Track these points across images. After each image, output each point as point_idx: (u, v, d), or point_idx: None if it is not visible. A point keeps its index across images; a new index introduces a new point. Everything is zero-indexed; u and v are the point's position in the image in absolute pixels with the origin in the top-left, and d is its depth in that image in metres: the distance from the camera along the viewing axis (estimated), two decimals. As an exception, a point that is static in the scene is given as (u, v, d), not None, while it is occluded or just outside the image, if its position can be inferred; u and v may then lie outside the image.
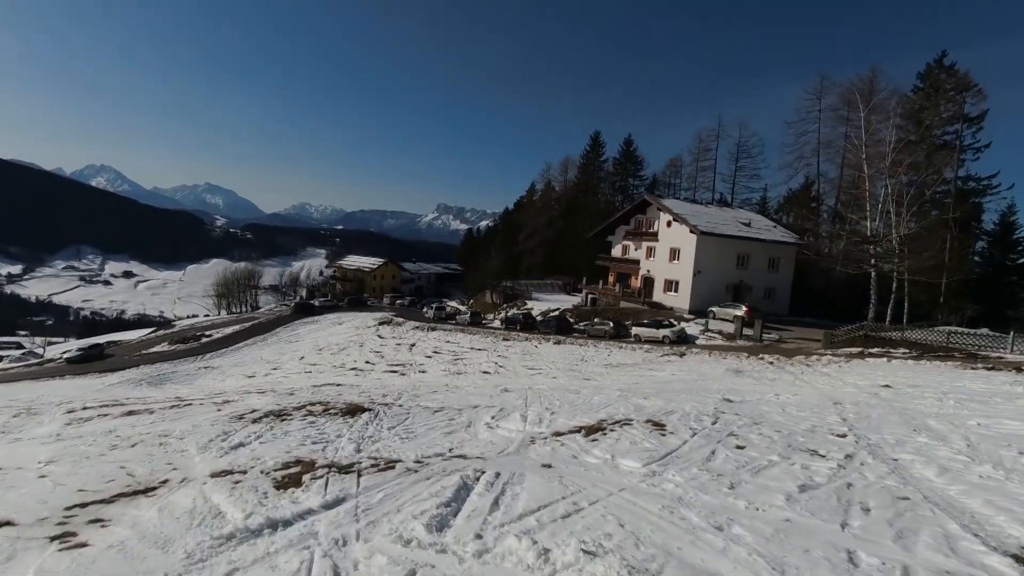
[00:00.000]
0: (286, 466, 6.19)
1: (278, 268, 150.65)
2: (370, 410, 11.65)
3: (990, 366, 18.30)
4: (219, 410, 11.75)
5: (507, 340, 37.73)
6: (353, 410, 11.41)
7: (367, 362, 33.72)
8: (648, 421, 9.12)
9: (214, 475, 5.86)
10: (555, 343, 34.07)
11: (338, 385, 22.48)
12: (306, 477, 5.60)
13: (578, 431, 8.70)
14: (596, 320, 38.61)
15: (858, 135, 32.38)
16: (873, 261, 30.00)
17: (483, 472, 5.89)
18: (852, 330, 26.18)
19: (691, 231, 38.20)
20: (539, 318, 45.04)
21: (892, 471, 6.12)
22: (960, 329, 24.73)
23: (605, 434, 8.24)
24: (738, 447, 7.41)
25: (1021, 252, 42.06)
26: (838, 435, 8.35)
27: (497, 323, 49.36)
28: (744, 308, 34.59)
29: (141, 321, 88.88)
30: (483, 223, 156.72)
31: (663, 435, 8.12)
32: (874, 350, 23.77)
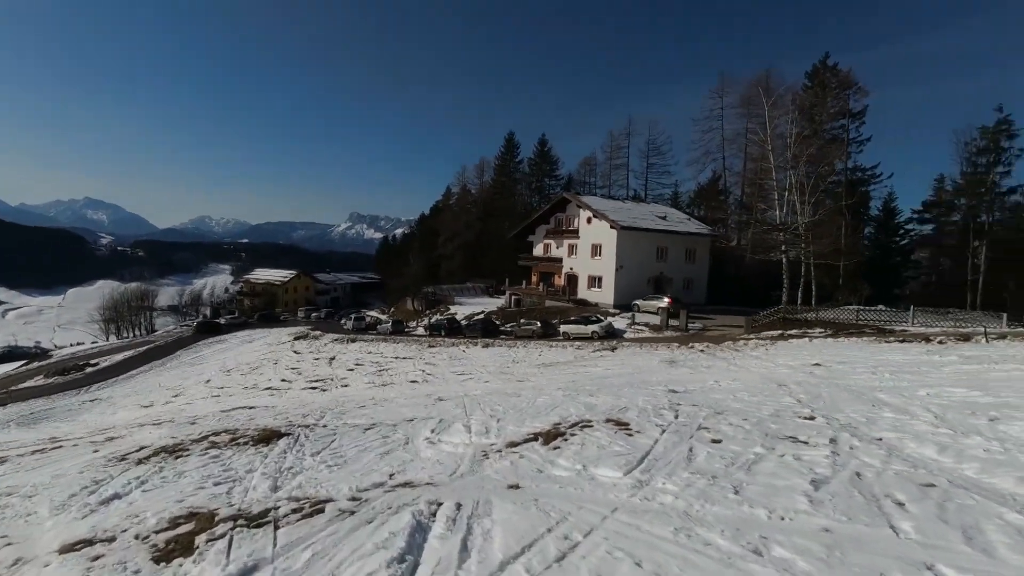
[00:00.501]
0: (174, 523, 4.67)
1: (177, 287, 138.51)
2: (289, 434, 10.03)
3: (900, 339, 19.26)
4: (96, 451, 9.65)
5: (433, 347, 36.22)
6: (268, 436, 9.74)
7: (283, 380, 31.11)
8: (608, 421, 8.27)
9: (65, 549, 4.23)
10: (483, 346, 32.99)
11: (251, 408, 20.16)
12: (201, 538, 4.14)
13: (534, 439, 7.68)
14: (523, 321, 37.97)
15: (761, 130, 33.90)
16: (783, 248, 31.36)
17: (439, 504, 4.72)
18: (771, 314, 27.10)
19: (611, 226, 38.49)
20: (464, 322, 43.85)
21: (889, 454, 5.58)
22: (866, 308, 26.19)
23: (566, 440, 7.28)
24: (714, 441, 6.69)
25: (902, 235, 46.03)
26: (806, 418, 7.89)
27: (421, 330, 47.64)
28: (667, 299, 35.19)
29: (12, 354, 78.36)
30: (399, 231, 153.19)
31: (630, 435, 7.28)
32: (793, 331, 24.60)
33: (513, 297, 49.48)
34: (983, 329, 18.30)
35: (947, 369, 12.44)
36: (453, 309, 52.41)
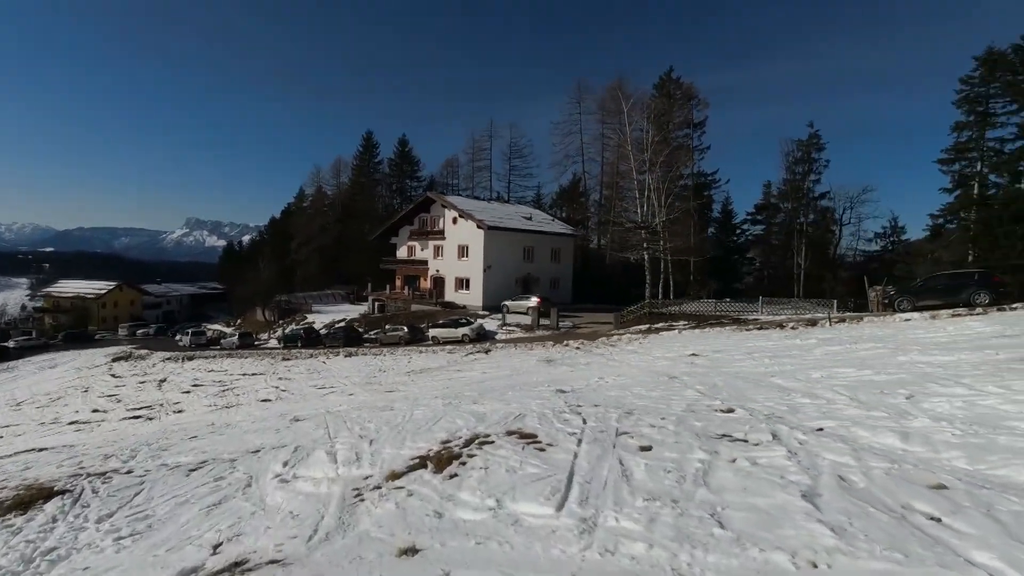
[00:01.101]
0: None
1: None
2: (67, 492, 7.19)
3: (759, 327, 20.30)
4: None
5: (288, 360, 32.39)
6: (30, 499, 6.85)
7: (96, 411, 25.66)
8: (510, 433, 6.78)
9: None
10: (346, 356, 30.10)
11: (40, 450, 15.79)
12: None
13: (421, 464, 5.94)
14: (388, 327, 35.52)
15: (620, 134, 35.06)
16: (645, 245, 32.53)
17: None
18: (637, 309, 27.71)
19: (478, 226, 37.48)
20: (324, 331, 40.21)
21: (852, 448, 4.71)
22: (722, 300, 27.77)
23: (463, 463, 5.64)
24: (643, 449, 5.49)
25: (739, 235, 50.81)
26: (723, 411, 7.06)
27: (274, 342, 42.98)
28: (536, 299, 34.91)
29: None
30: (246, 237, 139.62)
31: (541, 449, 5.84)
32: (660, 325, 25.20)
33: (376, 303, 46.61)
34: (826, 315, 19.87)
35: (817, 351, 12.77)
36: (311, 318, 48.15)
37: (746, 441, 5.38)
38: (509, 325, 32.08)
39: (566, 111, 55.87)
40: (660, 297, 31.71)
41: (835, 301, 23.63)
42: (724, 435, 5.69)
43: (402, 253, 45.81)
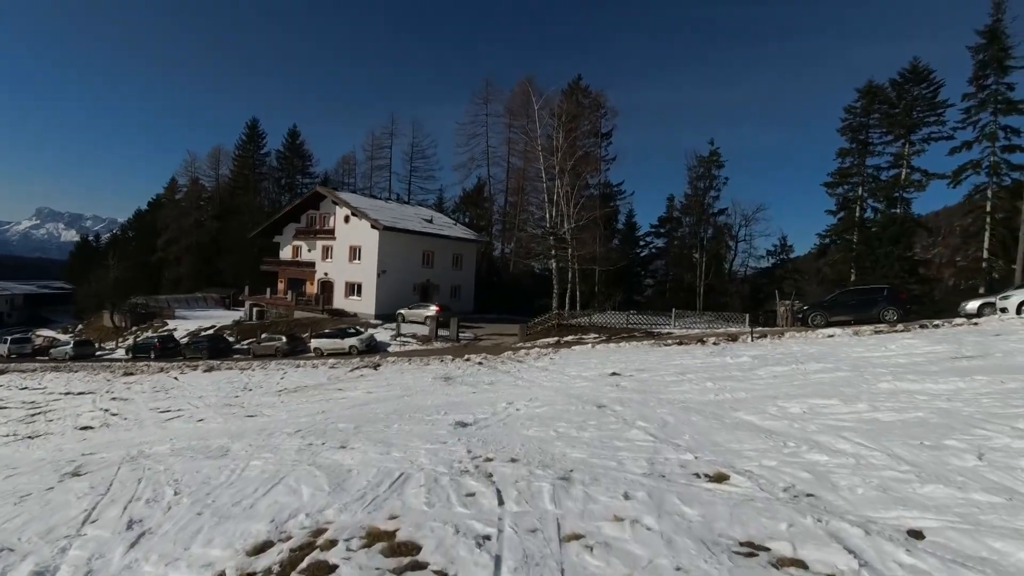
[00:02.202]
0: None
1: None
2: None
3: (677, 341, 18.77)
4: None
5: (132, 375, 26.88)
6: None
7: None
8: (370, 535, 3.91)
9: None
10: (206, 370, 25.32)
11: None
12: None
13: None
14: (264, 335, 30.86)
15: (530, 133, 33.08)
16: (554, 251, 30.65)
17: None
18: (544, 320, 25.61)
19: (373, 226, 33.87)
20: (186, 340, 34.49)
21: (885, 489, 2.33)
22: (631, 312, 26.35)
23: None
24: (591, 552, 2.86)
25: (641, 247, 50.91)
26: (712, 478, 4.66)
27: (121, 352, 36.36)
28: (435, 307, 31.97)
29: None
30: (113, 232, 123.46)
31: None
32: (569, 337, 23.22)
33: (255, 308, 41.22)
34: (745, 329, 18.74)
35: (761, 372, 11.01)
36: (172, 324, 41.64)
37: (805, 567, 2.92)
38: (404, 336, 28.79)
39: (472, 112, 53.56)
40: (567, 308, 29.93)
41: (747, 315, 22.89)
42: (750, 546, 3.21)
43: (286, 253, 40.85)
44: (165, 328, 40.66)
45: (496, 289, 46.42)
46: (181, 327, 40.26)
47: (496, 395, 13.41)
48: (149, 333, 39.30)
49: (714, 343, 17.21)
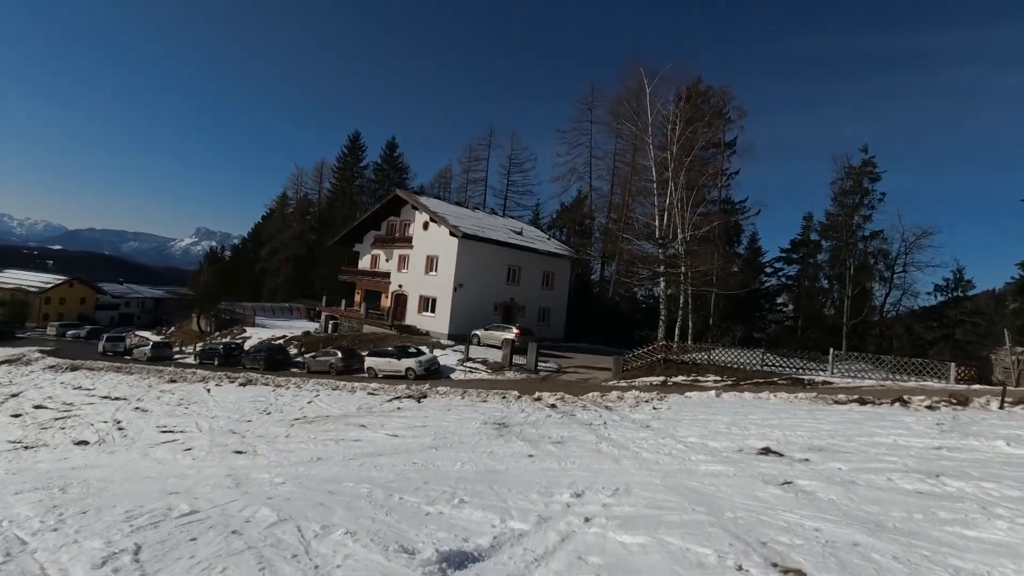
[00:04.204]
0: None
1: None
2: None
3: (856, 398, 12.26)
4: None
5: (174, 382, 24.42)
6: None
7: None
8: None
9: None
10: (241, 384, 22.08)
11: None
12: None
13: None
14: (322, 349, 27.53)
15: (637, 127, 27.46)
16: (662, 269, 24.66)
17: None
18: (647, 353, 19.67)
19: (451, 233, 29.80)
20: (251, 349, 32.23)
21: None
22: (763, 351, 19.71)
23: None
24: None
25: (768, 275, 42.95)
26: None
27: (193, 358, 34.99)
28: (515, 330, 27.02)
29: None
30: (234, 245, 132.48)
31: None
32: (680, 378, 17.19)
33: (330, 320, 38.69)
34: (989, 389, 11.87)
35: None
36: (250, 332, 40.15)
37: None
38: (474, 360, 24.04)
39: (575, 119, 48.72)
40: (676, 340, 23.74)
41: (952, 364, 15.60)
42: None
43: (365, 263, 38.02)
44: (243, 335, 39.21)
45: (592, 316, 40.74)
46: (258, 335, 38.57)
47: (561, 468, 8.08)
48: (227, 339, 37.92)
49: (928, 407, 10.62)
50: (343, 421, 14.22)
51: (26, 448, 15.90)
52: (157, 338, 43.63)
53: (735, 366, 17.69)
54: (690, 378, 17.18)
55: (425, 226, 32.44)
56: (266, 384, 21.57)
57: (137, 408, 19.50)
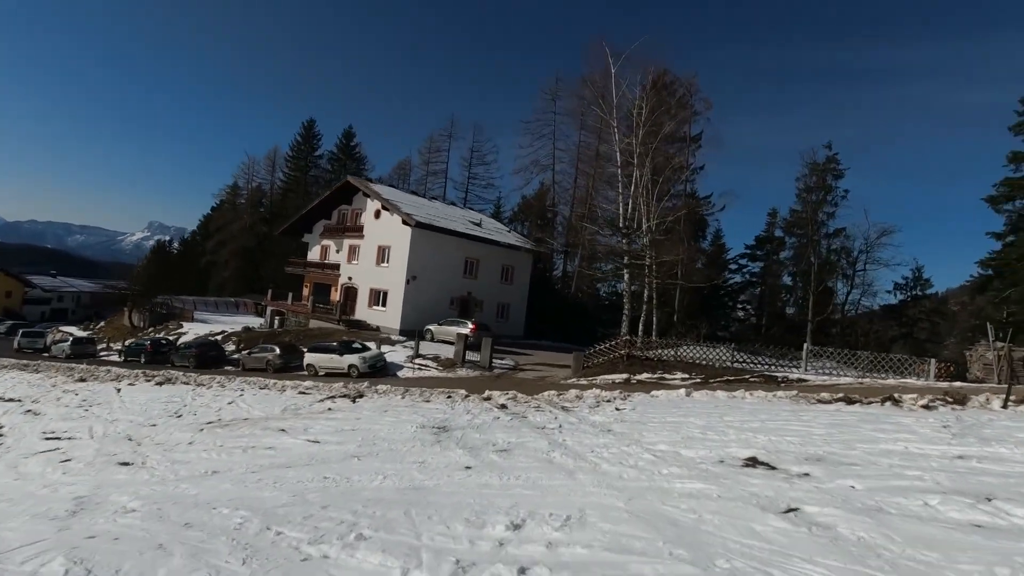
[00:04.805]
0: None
1: None
2: None
3: (841, 396, 10.98)
4: None
5: (83, 381, 21.76)
6: None
7: None
8: None
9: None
10: (158, 383, 19.68)
11: None
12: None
13: None
14: (259, 346, 25.23)
15: (604, 104, 25.93)
16: (626, 260, 23.31)
17: None
18: (610, 348, 18.20)
19: (404, 222, 27.83)
20: (184, 346, 29.52)
21: None
22: (733, 346, 18.48)
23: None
24: None
25: (732, 272, 42.33)
26: None
27: (116, 355, 32.03)
28: (471, 325, 25.32)
29: None
30: (183, 238, 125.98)
31: None
32: (645, 376, 15.78)
33: (276, 315, 36.14)
34: (988, 387, 10.75)
35: None
36: (187, 327, 37.20)
37: None
38: (424, 357, 22.18)
39: (539, 107, 47.05)
40: (641, 334, 22.40)
41: (931, 360, 14.63)
42: None
43: (314, 254, 35.58)
44: (179, 331, 36.29)
45: (553, 312, 39.27)
46: (194, 331, 35.70)
47: (502, 484, 6.40)
48: (159, 335, 34.95)
49: (924, 406, 9.37)
50: (261, 425, 12.22)
51: None
52: (82, 333, 40.14)
53: (703, 363, 16.38)
54: (656, 375, 15.78)
55: (377, 214, 30.34)
56: (186, 383, 19.20)
57: (29, 411, 16.95)
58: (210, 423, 13.12)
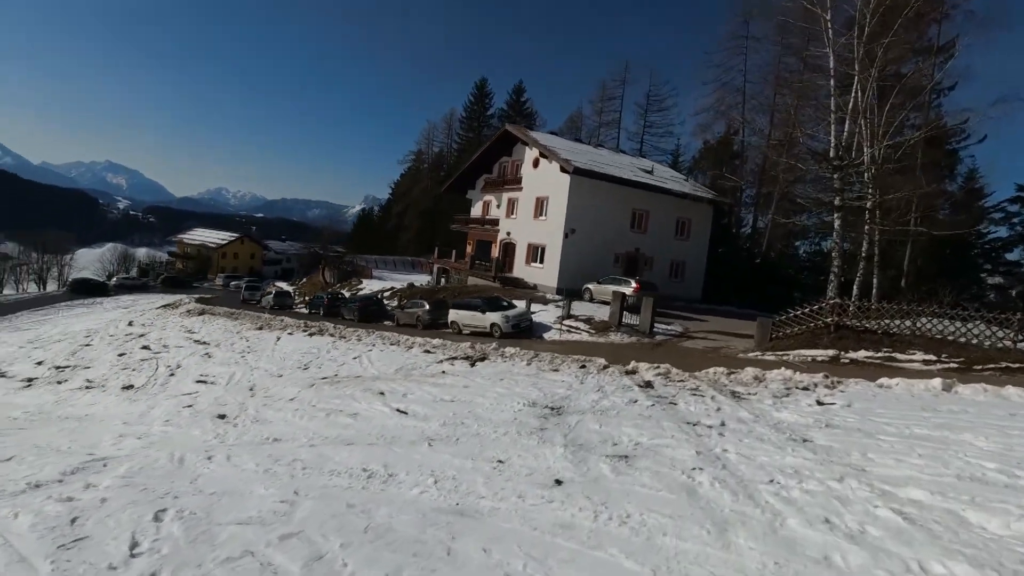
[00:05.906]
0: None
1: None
2: None
3: None
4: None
5: (261, 329, 23.32)
6: None
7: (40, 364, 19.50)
8: None
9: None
10: (309, 334, 20.05)
11: None
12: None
13: None
14: (410, 301, 24.99)
15: (810, 40, 20.11)
16: (838, 200, 17.86)
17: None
18: (810, 315, 13.67)
19: (562, 169, 25.15)
20: (354, 302, 30.98)
21: None
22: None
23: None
24: None
25: (990, 221, 32.23)
26: None
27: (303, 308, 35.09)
28: (633, 284, 22.03)
29: None
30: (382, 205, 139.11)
31: None
32: (861, 354, 11.29)
33: (442, 273, 36.50)
34: None
35: None
36: (365, 283, 39.62)
37: None
38: (576, 318, 19.59)
39: (728, 34, 40.03)
40: (855, 299, 16.99)
41: None
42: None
43: (476, 211, 34.84)
44: (358, 286, 38.70)
45: (739, 274, 33.84)
46: (373, 286, 37.72)
47: (591, 530, 3.58)
48: (339, 290, 37.58)
49: None
50: (365, 385, 10.79)
51: (88, 389, 15.07)
52: (286, 288, 45.17)
53: (956, 339, 11.24)
54: (879, 354, 11.18)
55: (535, 163, 28.11)
56: (332, 336, 19.23)
57: (206, 354, 18.19)
58: (324, 379, 12.16)
